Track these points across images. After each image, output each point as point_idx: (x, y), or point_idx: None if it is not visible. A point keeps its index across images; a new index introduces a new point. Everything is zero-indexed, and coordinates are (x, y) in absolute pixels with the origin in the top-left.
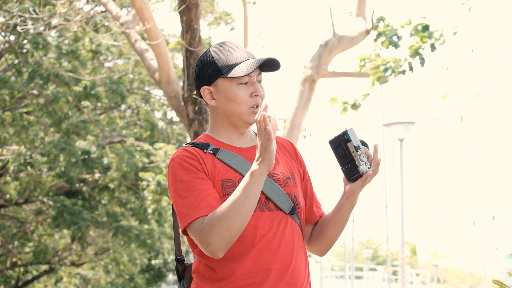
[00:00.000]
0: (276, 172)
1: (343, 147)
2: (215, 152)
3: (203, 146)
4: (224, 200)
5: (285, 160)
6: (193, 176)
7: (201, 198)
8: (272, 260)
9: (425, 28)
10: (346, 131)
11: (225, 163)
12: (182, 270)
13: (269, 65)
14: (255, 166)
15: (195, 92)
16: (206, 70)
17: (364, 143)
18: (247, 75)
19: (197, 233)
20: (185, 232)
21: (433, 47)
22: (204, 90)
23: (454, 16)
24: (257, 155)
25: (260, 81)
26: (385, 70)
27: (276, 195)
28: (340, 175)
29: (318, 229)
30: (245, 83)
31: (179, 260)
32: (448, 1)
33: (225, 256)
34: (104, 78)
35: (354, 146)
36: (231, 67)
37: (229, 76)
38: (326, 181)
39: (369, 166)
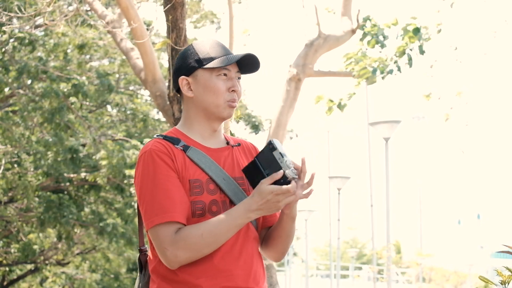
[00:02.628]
0: (241, 176)
1: (268, 158)
2: (185, 149)
3: (174, 141)
4: (190, 200)
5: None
6: (164, 173)
7: (172, 201)
8: (235, 265)
9: (416, 30)
10: (271, 140)
11: (195, 162)
12: (145, 261)
13: (249, 65)
14: (255, 207)
15: None
16: (186, 61)
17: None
18: (226, 67)
19: (164, 239)
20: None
21: (421, 50)
22: (182, 80)
23: (438, 14)
24: (263, 200)
25: (239, 78)
26: (374, 71)
27: (239, 200)
28: (324, 174)
29: (267, 238)
30: (224, 75)
31: (142, 251)
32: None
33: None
34: (91, 74)
35: (280, 153)
36: (212, 58)
37: (209, 66)
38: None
39: (296, 174)
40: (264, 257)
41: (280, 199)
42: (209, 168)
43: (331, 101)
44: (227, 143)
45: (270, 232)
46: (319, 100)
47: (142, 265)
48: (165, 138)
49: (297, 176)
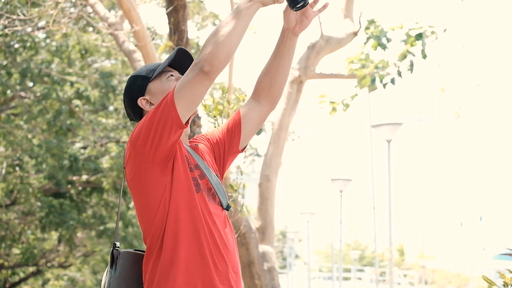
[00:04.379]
0: (214, 170)
1: None
2: None
3: None
4: (191, 176)
5: (210, 160)
6: None
7: None
8: (229, 260)
9: (419, 36)
10: None
11: (185, 147)
12: (117, 256)
13: (186, 64)
14: None
15: None
16: (135, 85)
17: None
18: (170, 69)
19: (191, 66)
20: (174, 107)
21: (424, 54)
22: (141, 100)
23: (443, 12)
24: None
25: None
26: (373, 81)
27: (219, 189)
28: (326, 176)
29: (267, 79)
30: (171, 75)
31: (115, 246)
32: None
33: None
34: (94, 75)
35: None
36: (154, 70)
37: (156, 73)
38: (314, 183)
39: None
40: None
41: None
42: (195, 156)
43: (333, 102)
44: (191, 145)
45: (269, 65)
46: (323, 101)
47: (113, 260)
48: None
49: None
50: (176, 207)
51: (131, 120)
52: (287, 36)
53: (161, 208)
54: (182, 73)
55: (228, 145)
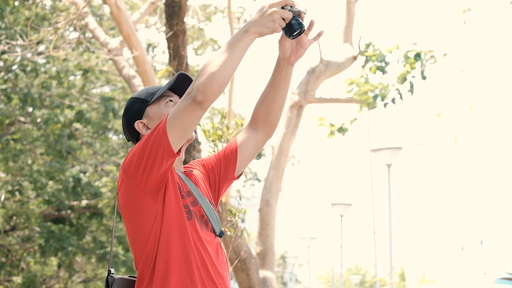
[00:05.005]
0: (207, 197)
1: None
2: None
3: None
4: (182, 203)
5: (204, 187)
6: None
7: None
8: (221, 287)
9: (417, 56)
10: None
11: (178, 174)
12: (111, 283)
13: (186, 87)
14: (252, 20)
15: None
16: (133, 108)
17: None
18: (169, 94)
19: (184, 96)
20: (166, 136)
21: (423, 75)
22: (138, 124)
23: (444, 37)
24: (259, 13)
25: None
26: (375, 97)
27: (211, 216)
28: (326, 201)
29: (263, 108)
30: (171, 101)
31: (110, 272)
32: (438, 21)
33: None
34: (94, 100)
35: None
36: (153, 94)
37: (155, 98)
38: (315, 208)
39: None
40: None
41: (274, 9)
42: (188, 183)
43: (332, 125)
44: (185, 171)
45: (265, 95)
46: (322, 124)
47: (108, 286)
48: None
49: (305, 12)
50: (168, 235)
51: (128, 141)
52: (282, 66)
53: (152, 235)
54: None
55: (223, 172)
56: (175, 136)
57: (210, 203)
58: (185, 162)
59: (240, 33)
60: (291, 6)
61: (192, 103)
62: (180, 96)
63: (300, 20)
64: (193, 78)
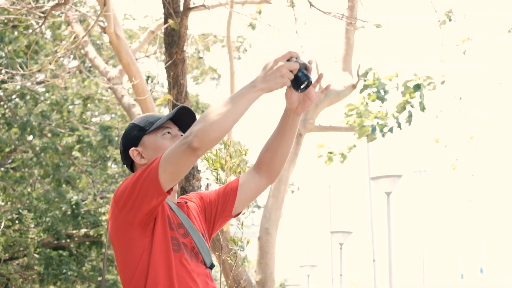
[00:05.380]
0: (199, 229)
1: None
2: None
3: None
4: (170, 235)
5: (198, 219)
6: None
7: None
8: None
9: (417, 87)
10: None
11: (169, 205)
12: None
13: (187, 120)
14: (259, 76)
15: None
16: (131, 135)
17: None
18: (168, 125)
19: (178, 141)
20: (157, 178)
21: (422, 106)
22: (133, 151)
23: (442, 64)
24: (266, 69)
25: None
26: (373, 130)
27: (202, 248)
28: (325, 229)
29: (268, 154)
30: (168, 133)
31: None
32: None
33: None
34: (94, 128)
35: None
36: (153, 123)
37: (152, 128)
38: (314, 236)
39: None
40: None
41: (281, 64)
42: (179, 214)
43: (331, 152)
44: (179, 202)
45: (271, 141)
46: (320, 149)
47: None
48: None
49: (311, 63)
50: (155, 268)
51: (124, 164)
52: (289, 116)
53: (139, 268)
54: (182, 129)
55: (220, 208)
56: (167, 178)
57: (202, 235)
58: (184, 191)
59: (247, 88)
60: (296, 58)
61: (188, 149)
62: (179, 127)
63: (307, 72)
64: (192, 110)
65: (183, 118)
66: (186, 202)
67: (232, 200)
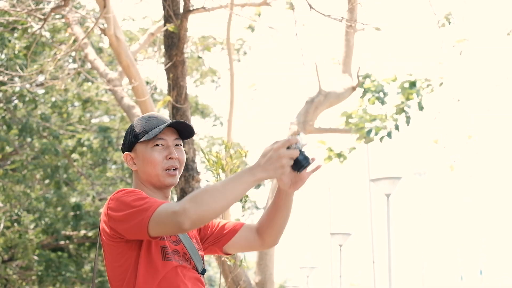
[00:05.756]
0: (191, 236)
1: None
2: None
3: None
4: (160, 244)
5: (193, 233)
6: (141, 196)
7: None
8: None
9: (412, 84)
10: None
11: None
12: None
13: (184, 131)
14: (258, 164)
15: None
16: (127, 138)
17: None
18: (162, 136)
19: (168, 208)
20: (146, 229)
21: (420, 106)
22: (126, 156)
23: (440, 66)
24: (265, 157)
25: (178, 145)
26: (368, 132)
27: (194, 254)
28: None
29: (265, 228)
30: (161, 145)
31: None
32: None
33: None
34: (92, 130)
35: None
36: (146, 132)
37: (144, 139)
38: (314, 238)
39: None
40: None
41: (281, 154)
42: None
43: (331, 150)
44: None
45: (268, 213)
46: (320, 146)
47: None
48: None
49: (306, 144)
50: (144, 280)
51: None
52: (282, 195)
53: (126, 280)
54: (182, 137)
55: (213, 238)
56: (155, 233)
57: (195, 242)
58: (183, 192)
59: (245, 174)
60: (296, 144)
61: (178, 226)
62: (178, 136)
63: (306, 155)
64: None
65: (177, 127)
66: None
67: (228, 238)
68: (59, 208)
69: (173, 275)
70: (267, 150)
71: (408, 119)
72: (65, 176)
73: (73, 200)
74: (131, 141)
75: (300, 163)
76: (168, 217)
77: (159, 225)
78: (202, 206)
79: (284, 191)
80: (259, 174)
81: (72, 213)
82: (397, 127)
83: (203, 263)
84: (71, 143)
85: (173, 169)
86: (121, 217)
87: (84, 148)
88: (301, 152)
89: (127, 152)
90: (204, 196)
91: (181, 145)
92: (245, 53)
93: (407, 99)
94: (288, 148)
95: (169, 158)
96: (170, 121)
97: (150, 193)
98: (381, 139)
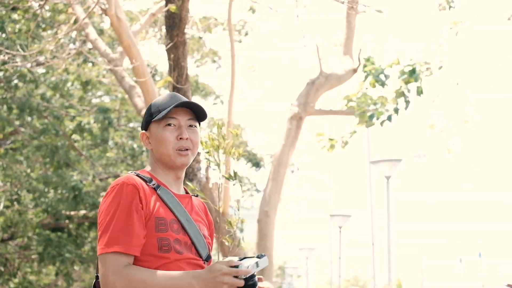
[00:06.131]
0: (200, 220)
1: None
2: (156, 188)
3: (147, 179)
4: (156, 237)
5: (201, 217)
6: (130, 206)
7: (130, 233)
8: None
9: (412, 72)
10: (264, 255)
11: (164, 201)
12: None
13: (197, 112)
14: (200, 278)
15: None
16: (145, 117)
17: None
18: (174, 116)
19: (110, 267)
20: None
21: (419, 91)
22: (143, 135)
23: (440, 50)
24: (210, 274)
25: (192, 126)
26: (371, 117)
27: (198, 242)
28: (325, 212)
29: None
30: (172, 125)
31: (98, 278)
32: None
33: None
34: (92, 109)
35: (258, 264)
36: (160, 111)
37: (156, 118)
38: (314, 219)
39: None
40: None
41: (225, 281)
42: (175, 209)
43: (332, 139)
44: (186, 192)
45: None
46: (320, 137)
47: None
48: (138, 175)
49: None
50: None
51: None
52: None
53: None
54: (193, 112)
55: None
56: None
57: (202, 228)
58: (186, 173)
59: (184, 280)
60: (244, 276)
61: (104, 285)
62: (192, 116)
63: (255, 281)
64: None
65: (197, 108)
66: (196, 195)
67: None
68: (58, 190)
69: (169, 268)
70: (215, 268)
71: (407, 103)
72: (65, 156)
73: (74, 179)
74: (147, 120)
75: None
76: (103, 273)
77: (100, 265)
78: None
79: None
80: (196, 286)
81: (72, 195)
82: (396, 111)
83: (209, 250)
84: (71, 125)
85: (185, 150)
86: (99, 224)
87: (85, 134)
88: (250, 278)
89: (143, 131)
90: (137, 285)
91: (195, 126)
92: (246, 34)
93: (407, 83)
94: (235, 277)
95: (180, 138)
96: (180, 101)
97: (162, 174)
98: (382, 123)
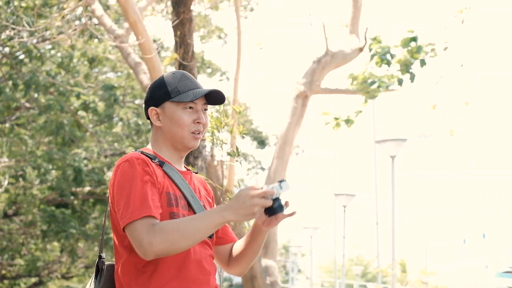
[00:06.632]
0: (202, 199)
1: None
2: (161, 164)
3: (151, 156)
4: (168, 211)
5: (202, 193)
6: (143, 179)
7: (148, 201)
8: (204, 280)
9: (413, 39)
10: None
11: (170, 177)
12: (102, 268)
13: (214, 97)
14: (230, 207)
15: None
16: (156, 93)
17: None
18: (193, 101)
19: (141, 230)
20: (123, 229)
21: (422, 62)
22: (152, 111)
23: (445, 31)
24: (239, 202)
25: (205, 110)
26: (372, 83)
27: None
28: (329, 191)
29: (236, 255)
30: (190, 108)
31: (101, 257)
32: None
33: (161, 271)
34: (98, 86)
35: (281, 186)
36: (179, 92)
37: (176, 100)
38: (318, 198)
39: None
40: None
41: (255, 202)
42: (181, 185)
43: (337, 118)
44: (187, 169)
45: (238, 247)
46: (326, 116)
47: (98, 271)
48: (142, 153)
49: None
50: None
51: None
52: (256, 230)
53: (131, 251)
54: (209, 102)
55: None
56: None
57: (204, 206)
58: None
59: (215, 215)
60: (271, 195)
61: (141, 252)
62: (205, 101)
63: (281, 203)
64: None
65: (213, 93)
66: (197, 173)
67: (222, 242)
68: (63, 168)
69: None
70: (242, 194)
71: (412, 76)
72: (70, 133)
73: (76, 159)
74: (161, 97)
75: (273, 211)
76: (136, 240)
77: (129, 236)
78: (168, 243)
79: (258, 227)
80: (229, 216)
81: (72, 176)
82: (400, 82)
83: None
84: (77, 103)
85: (198, 133)
86: (117, 201)
87: (90, 113)
88: (276, 200)
89: (153, 107)
90: (174, 234)
91: (206, 109)
92: (252, 10)
93: (412, 56)
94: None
95: (197, 122)
96: (207, 89)
97: (167, 152)
98: (383, 90)
